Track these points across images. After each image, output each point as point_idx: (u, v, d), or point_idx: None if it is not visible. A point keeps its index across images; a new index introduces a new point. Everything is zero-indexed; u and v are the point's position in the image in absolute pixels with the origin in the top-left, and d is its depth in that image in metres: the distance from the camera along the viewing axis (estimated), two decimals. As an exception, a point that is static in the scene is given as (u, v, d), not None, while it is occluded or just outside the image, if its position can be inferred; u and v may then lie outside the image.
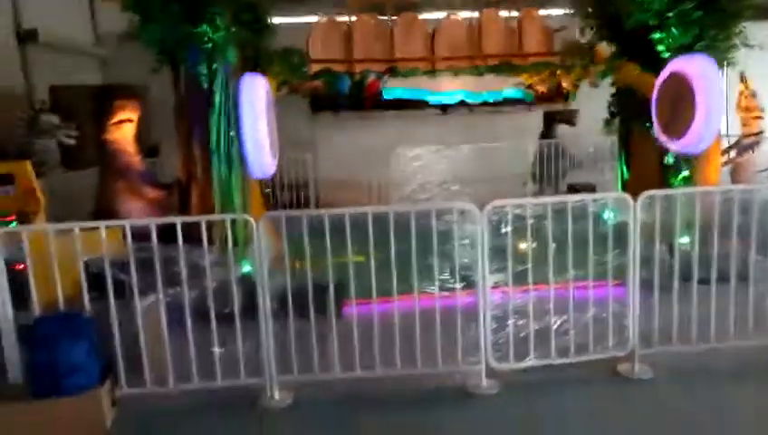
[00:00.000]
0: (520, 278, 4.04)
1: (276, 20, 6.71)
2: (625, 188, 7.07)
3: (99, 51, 10.85)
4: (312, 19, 8.38)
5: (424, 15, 8.39)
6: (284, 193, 9.51)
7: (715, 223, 4.08)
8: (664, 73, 6.11)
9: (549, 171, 9.99)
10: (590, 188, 8.69)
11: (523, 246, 4.10)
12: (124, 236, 3.82)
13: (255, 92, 5.36)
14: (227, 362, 3.86)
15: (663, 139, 6.17)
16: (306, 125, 10.05)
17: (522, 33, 8.13)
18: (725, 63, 6.53)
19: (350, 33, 7.93)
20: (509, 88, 7.77)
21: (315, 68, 7.56)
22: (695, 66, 5.66)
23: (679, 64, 5.87)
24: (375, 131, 9.92)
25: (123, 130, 6.07)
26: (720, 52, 6.32)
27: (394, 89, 7.46)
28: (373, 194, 9.65)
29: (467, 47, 7.99)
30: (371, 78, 7.13)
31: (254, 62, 6.28)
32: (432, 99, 7.57)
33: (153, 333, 3.82)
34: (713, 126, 5.55)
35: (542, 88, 8.08)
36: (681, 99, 5.76)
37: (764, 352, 4.14)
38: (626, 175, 7.51)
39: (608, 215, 5.42)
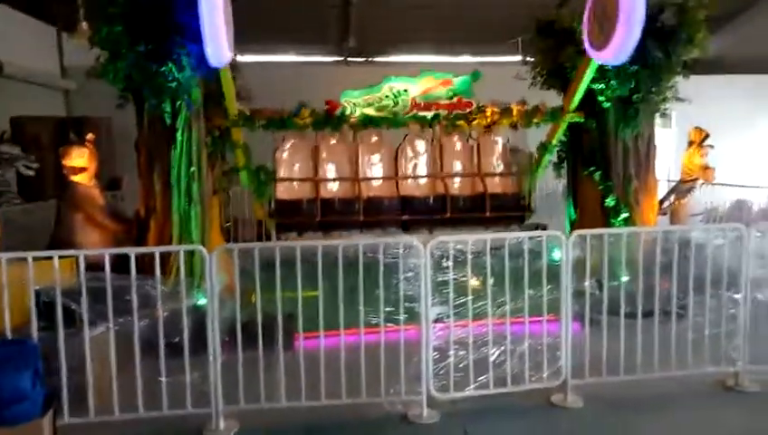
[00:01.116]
0: (462, 311, 4.27)
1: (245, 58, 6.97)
2: (572, 228, 7.46)
3: (64, 83, 10.95)
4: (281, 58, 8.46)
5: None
6: (246, 229, 9.60)
7: (639, 262, 4.40)
8: None
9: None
10: (543, 229, 9.07)
11: (468, 280, 4.33)
12: (78, 267, 3.91)
13: None
14: (174, 392, 3.93)
15: (592, 54, 6.43)
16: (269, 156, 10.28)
17: (480, 151, 8.47)
18: (660, 114, 7.05)
19: (316, 151, 8.04)
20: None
21: (280, 188, 7.76)
22: None
23: None
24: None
25: (79, 176, 6.16)
26: (654, 103, 6.85)
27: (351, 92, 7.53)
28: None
29: (429, 165, 8.29)
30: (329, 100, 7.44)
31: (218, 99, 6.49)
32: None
33: (101, 362, 3.88)
34: (633, 38, 5.75)
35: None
36: (606, 11, 6.03)
37: (685, 382, 4.43)
38: (573, 216, 7.93)
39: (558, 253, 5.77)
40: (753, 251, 4.49)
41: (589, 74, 6.77)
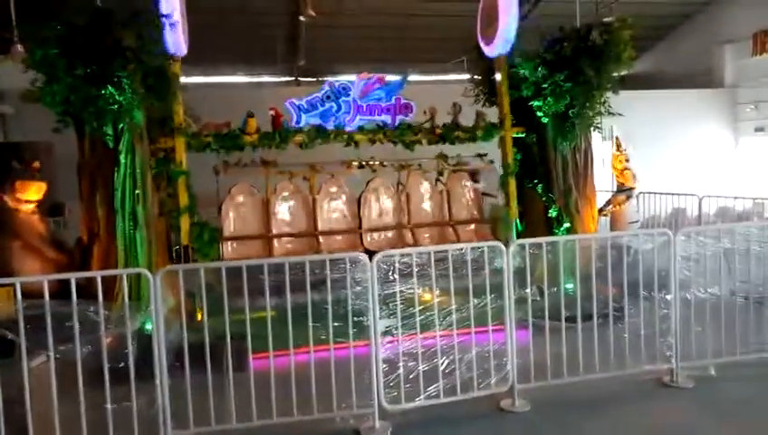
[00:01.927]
0: (410, 323, 4.35)
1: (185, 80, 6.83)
2: (519, 238, 7.69)
3: (0, 108, 10.58)
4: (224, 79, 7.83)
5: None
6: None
7: (577, 268, 4.61)
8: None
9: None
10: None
11: (414, 292, 4.43)
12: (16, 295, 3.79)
13: None
14: (121, 419, 3.84)
15: (485, 48, 7.67)
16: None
17: (450, 197, 8.08)
18: (593, 128, 7.43)
19: (267, 204, 7.29)
20: None
21: (228, 247, 7.08)
22: None
23: None
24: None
25: (25, 208, 5.98)
26: (588, 117, 7.22)
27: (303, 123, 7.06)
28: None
29: (395, 214, 7.78)
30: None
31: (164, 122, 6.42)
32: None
33: (41, 392, 3.76)
34: (513, 27, 7.25)
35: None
36: (492, 13, 7.42)
37: (625, 381, 4.64)
38: (520, 228, 8.19)
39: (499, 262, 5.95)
40: (680, 254, 4.77)
41: (504, 78, 7.48)
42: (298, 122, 7.08)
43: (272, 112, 7.03)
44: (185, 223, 6.47)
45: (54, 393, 3.75)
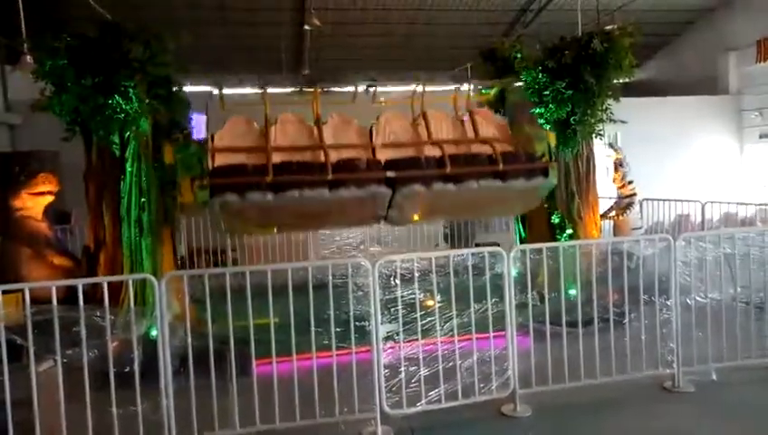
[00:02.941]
0: (412, 328, 4.40)
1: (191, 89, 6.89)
2: (521, 244, 7.73)
3: (8, 117, 10.73)
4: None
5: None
6: (201, 258, 9.53)
7: (578, 273, 4.65)
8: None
9: (459, 232, 10.62)
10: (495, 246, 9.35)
11: (416, 298, 4.48)
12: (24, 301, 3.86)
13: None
14: (126, 423, 3.89)
15: None
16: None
17: (475, 124, 6.54)
18: (595, 134, 7.47)
19: (266, 131, 5.85)
20: None
21: (219, 157, 5.56)
22: None
23: None
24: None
25: (40, 201, 6.07)
26: (590, 124, 7.26)
27: None
28: (292, 257, 9.85)
29: (412, 139, 6.19)
30: None
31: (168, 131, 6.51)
32: None
33: (49, 396, 3.82)
34: None
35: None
36: None
37: (626, 386, 4.67)
38: (523, 234, 8.23)
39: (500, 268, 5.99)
40: (681, 259, 4.79)
41: None
42: None
43: None
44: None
45: (61, 397, 3.81)
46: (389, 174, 5.46)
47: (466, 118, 6.69)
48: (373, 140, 6.04)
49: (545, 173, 6.13)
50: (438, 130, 6.35)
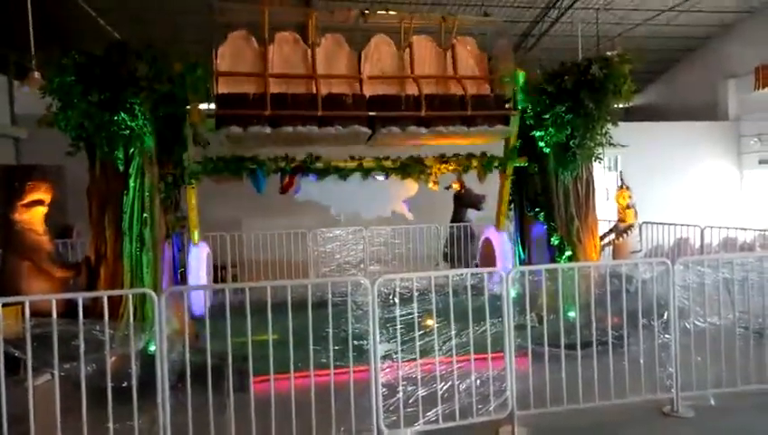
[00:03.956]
0: (410, 347, 4.40)
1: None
2: (520, 265, 7.76)
3: (14, 131, 10.84)
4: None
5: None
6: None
7: (576, 296, 4.66)
8: (482, 236, 8.70)
9: (459, 252, 10.63)
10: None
11: (414, 317, 4.49)
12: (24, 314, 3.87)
13: (203, 254, 6.24)
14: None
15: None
16: (230, 206, 10.35)
17: (455, 57, 7.32)
18: (595, 158, 7.54)
19: (265, 50, 6.60)
20: (395, 208, 7.42)
21: (222, 83, 6.47)
22: (496, 236, 8.25)
23: (488, 233, 8.53)
24: (295, 214, 10.36)
25: (33, 212, 6.08)
26: (589, 148, 7.33)
27: (305, 199, 7.11)
28: (292, 275, 9.87)
29: (398, 71, 7.05)
30: (287, 178, 6.87)
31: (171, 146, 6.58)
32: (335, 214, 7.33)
33: (46, 410, 3.81)
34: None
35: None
36: (490, 254, 8.11)
37: (625, 410, 4.65)
38: (522, 255, 8.26)
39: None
40: (679, 283, 4.81)
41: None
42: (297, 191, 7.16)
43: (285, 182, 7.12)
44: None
45: (58, 411, 3.80)
46: (371, 113, 6.45)
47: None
48: (361, 65, 6.88)
49: (506, 121, 7.09)
50: (422, 59, 7.16)
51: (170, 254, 6.70)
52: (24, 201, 6.04)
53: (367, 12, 7.08)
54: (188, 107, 6.32)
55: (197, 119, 6.44)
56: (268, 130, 6.24)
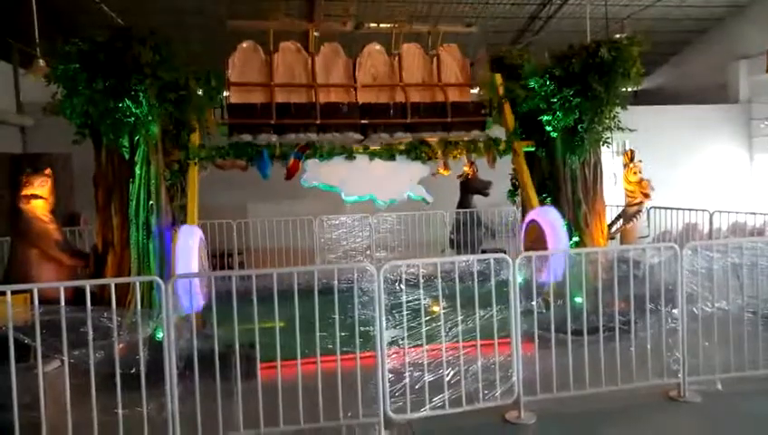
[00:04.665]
0: (416, 333, 4.40)
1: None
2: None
3: (20, 120, 10.86)
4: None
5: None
6: (208, 261, 9.57)
7: (584, 281, 4.63)
8: (526, 220, 7.44)
9: (465, 238, 10.61)
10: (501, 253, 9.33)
11: (421, 303, 4.48)
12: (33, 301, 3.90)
13: (190, 242, 5.79)
14: (131, 424, 3.91)
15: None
16: (235, 193, 10.34)
17: (440, 63, 8.18)
18: (603, 142, 7.46)
19: (270, 59, 7.53)
20: (411, 192, 7.59)
21: (234, 93, 7.30)
22: (545, 218, 7.02)
23: (535, 215, 7.21)
24: (301, 201, 10.37)
25: (33, 205, 6.10)
26: (597, 132, 7.25)
27: (312, 185, 7.25)
28: (298, 261, 9.89)
29: (388, 77, 7.96)
30: (291, 159, 7.31)
31: (176, 134, 6.58)
32: (347, 198, 7.39)
33: (55, 397, 3.85)
34: (562, 261, 5.80)
35: (445, 172, 8.64)
36: (538, 240, 6.99)
37: (632, 395, 4.64)
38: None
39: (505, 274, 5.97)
40: (687, 268, 4.77)
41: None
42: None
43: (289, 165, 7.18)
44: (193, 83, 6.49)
45: (68, 397, 3.84)
46: (363, 121, 7.45)
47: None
48: (356, 72, 7.82)
49: (482, 127, 7.88)
50: (410, 66, 8.09)
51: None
52: (21, 194, 6.05)
53: (361, 23, 8.10)
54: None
55: (212, 124, 7.12)
56: (274, 137, 7.16)
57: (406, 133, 7.50)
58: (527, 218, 7.43)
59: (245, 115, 7.12)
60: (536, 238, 7.12)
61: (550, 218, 7.01)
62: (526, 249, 7.19)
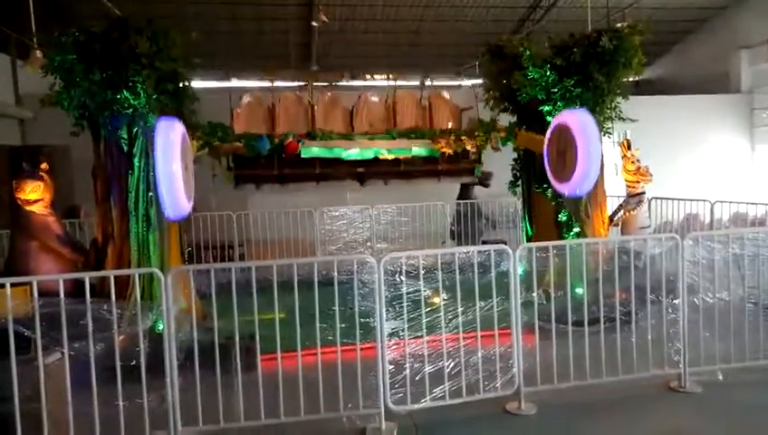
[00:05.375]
0: (416, 325, 4.40)
1: (199, 84, 7.08)
2: (528, 242, 7.70)
3: (19, 112, 10.81)
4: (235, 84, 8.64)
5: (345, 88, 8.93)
6: (209, 253, 9.58)
7: (584, 272, 4.62)
8: (552, 125, 6.83)
9: (466, 230, 10.60)
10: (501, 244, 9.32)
11: (421, 295, 4.48)
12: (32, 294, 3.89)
13: (171, 136, 5.41)
14: (132, 416, 3.92)
15: (555, 184, 6.86)
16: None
17: (432, 110, 8.80)
18: (603, 133, 7.41)
19: (273, 109, 8.11)
20: (417, 148, 8.17)
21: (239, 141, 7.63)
22: (576, 119, 6.27)
23: (563, 117, 6.55)
24: (301, 193, 10.34)
25: (32, 206, 6.06)
26: (598, 123, 7.20)
27: (311, 148, 7.67)
28: (299, 253, 9.88)
29: (383, 123, 8.51)
30: (290, 139, 7.49)
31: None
32: (347, 155, 7.84)
33: (56, 389, 3.85)
34: (593, 169, 6.07)
35: (448, 150, 8.64)
36: (566, 147, 6.35)
37: (632, 385, 4.65)
38: (530, 232, 8.20)
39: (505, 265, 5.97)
40: (688, 259, 4.75)
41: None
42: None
43: (288, 144, 7.53)
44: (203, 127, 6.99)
45: (68, 389, 3.84)
46: (360, 170, 7.98)
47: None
48: (353, 119, 8.29)
49: (471, 172, 8.54)
50: (404, 113, 8.60)
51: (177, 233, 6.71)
52: (20, 200, 6.01)
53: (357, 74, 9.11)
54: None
55: (220, 172, 7.69)
56: (277, 187, 7.95)
57: (400, 180, 8.22)
58: (553, 123, 6.62)
59: (250, 165, 7.65)
60: (564, 147, 6.20)
61: (581, 121, 6.00)
62: (551, 162, 6.65)
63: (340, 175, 7.91)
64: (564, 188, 6.62)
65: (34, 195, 6.02)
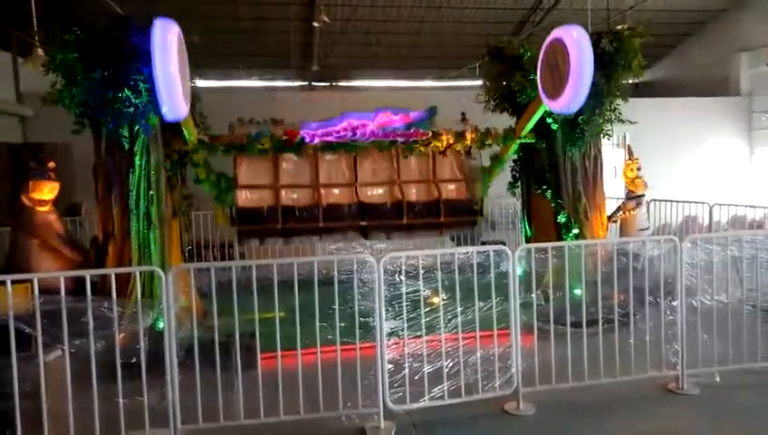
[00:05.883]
0: (416, 324, 4.42)
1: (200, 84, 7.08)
2: (527, 243, 7.72)
3: (20, 109, 10.81)
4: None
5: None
6: (209, 252, 9.59)
7: (583, 273, 4.64)
8: (546, 42, 6.46)
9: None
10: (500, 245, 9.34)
11: (421, 295, 4.50)
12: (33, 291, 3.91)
13: (168, 36, 5.22)
14: (132, 413, 3.93)
15: (546, 101, 6.65)
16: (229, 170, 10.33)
17: (436, 160, 8.43)
18: (603, 135, 7.44)
19: (276, 162, 7.79)
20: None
21: (242, 196, 7.51)
22: (570, 34, 5.96)
23: (558, 33, 6.17)
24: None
25: (41, 208, 6.07)
26: (598, 124, 7.23)
27: (309, 123, 7.39)
28: (299, 252, 9.89)
29: (387, 173, 8.23)
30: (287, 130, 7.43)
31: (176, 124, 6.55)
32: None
33: (56, 386, 3.86)
34: (585, 84, 5.79)
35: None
36: (559, 62, 6.10)
37: (630, 387, 4.67)
38: (529, 233, 8.22)
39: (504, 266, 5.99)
40: (686, 261, 4.78)
41: (539, 112, 7.15)
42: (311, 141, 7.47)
43: (285, 137, 7.34)
44: (205, 185, 7.15)
45: (69, 386, 3.86)
46: (363, 223, 7.73)
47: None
48: (357, 169, 8.02)
49: (473, 223, 8.34)
50: (408, 163, 8.25)
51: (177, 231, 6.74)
52: (29, 196, 6.02)
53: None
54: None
55: (223, 221, 7.55)
56: (280, 242, 7.68)
57: (401, 232, 8.04)
58: (548, 39, 6.34)
59: (253, 220, 7.44)
60: (556, 61, 6.02)
61: (576, 37, 5.77)
62: (543, 79, 6.43)
63: (343, 228, 7.73)
64: (556, 105, 6.44)
65: (50, 195, 6.05)
